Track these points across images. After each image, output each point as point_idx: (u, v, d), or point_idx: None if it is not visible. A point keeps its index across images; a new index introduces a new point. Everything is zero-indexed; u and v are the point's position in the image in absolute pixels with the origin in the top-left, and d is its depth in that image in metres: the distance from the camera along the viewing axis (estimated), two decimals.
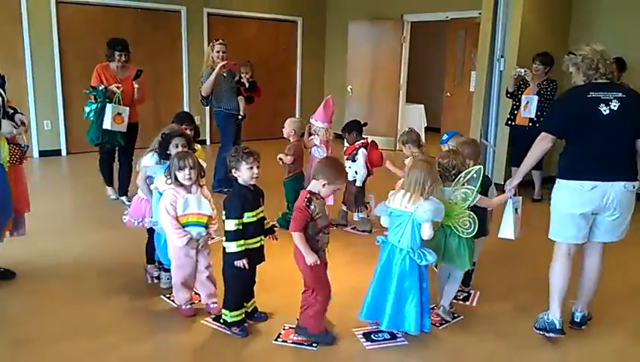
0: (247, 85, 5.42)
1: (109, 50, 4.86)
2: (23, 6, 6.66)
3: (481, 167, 2.85)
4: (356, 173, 4.39)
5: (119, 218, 3.39)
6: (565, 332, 2.81)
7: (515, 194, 2.97)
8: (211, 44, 5.39)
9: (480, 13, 6.32)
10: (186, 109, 7.75)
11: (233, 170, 2.72)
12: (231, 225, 2.65)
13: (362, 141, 4.41)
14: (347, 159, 4.42)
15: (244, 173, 2.69)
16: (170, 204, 2.82)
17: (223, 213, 2.69)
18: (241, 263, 2.67)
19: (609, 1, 5.83)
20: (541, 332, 2.84)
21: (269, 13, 8.80)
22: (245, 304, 2.87)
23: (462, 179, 2.83)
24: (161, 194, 2.95)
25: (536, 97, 5.20)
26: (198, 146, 3.36)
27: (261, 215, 2.79)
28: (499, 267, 3.76)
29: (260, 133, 8.11)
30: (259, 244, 2.79)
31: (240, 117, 5.42)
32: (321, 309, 2.70)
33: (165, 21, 7.86)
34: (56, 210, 4.77)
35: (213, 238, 3.06)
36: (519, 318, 3.09)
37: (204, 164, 2.97)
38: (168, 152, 3.04)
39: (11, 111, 3.27)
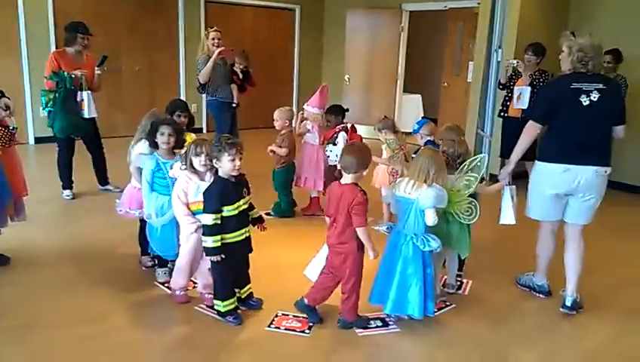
0: (240, 75, 5.41)
1: (68, 33, 4.67)
2: None
3: (485, 155, 2.99)
4: (337, 156, 4.38)
5: (113, 205, 3.38)
6: (552, 293, 3.19)
7: (509, 183, 3.08)
8: (206, 31, 5.37)
9: (479, 3, 6.29)
10: (182, 97, 7.72)
11: (214, 161, 2.63)
12: (208, 219, 2.60)
13: (342, 125, 4.41)
14: (328, 143, 4.41)
15: (225, 165, 2.60)
16: (182, 190, 2.79)
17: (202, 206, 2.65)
18: (215, 258, 2.65)
19: None
20: (526, 289, 3.28)
21: (267, 0, 8.74)
22: (239, 290, 2.88)
23: (466, 167, 2.93)
24: (173, 181, 2.91)
25: (528, 88, 5.12)
26: (191, 135, 3.32)
27: (243, 207, 2.72)
28: (490, 255, 3.79)
29: (256, 122, 8.09)
30: (243, 237, 2.75)
31: (234, 105, 5.41)
32: (358, 297, 2.76)
33: (162, 8, 7.80)
34: (51, 197, 4.77)
35: None
36: (511, 306, 3.13)
37: None
38: (156, 140, 2.98)
39: None
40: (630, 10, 5.65)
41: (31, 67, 6.85)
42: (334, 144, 4.38)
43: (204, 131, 8.32)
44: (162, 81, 7.94)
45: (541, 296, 3.22)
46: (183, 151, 2.90)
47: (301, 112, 4.54)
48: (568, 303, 3.02)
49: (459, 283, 3.33)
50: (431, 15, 8.65)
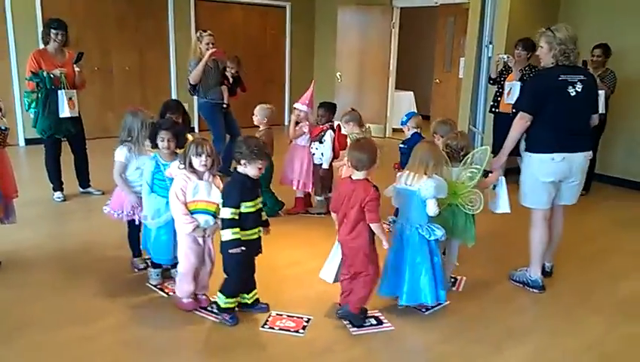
0: (231, 80, 5.40)
1: (43, 31, 4.59)
2: None
3: (488, 147, 3.09)
4: (322, 155, 4.37)
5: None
6: (545, 288, 3.24)
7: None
8: (198, 34, 5.31)
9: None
10: (174, 96, 7.68)
11: (242, 163, 2.64)
12: (227, 213, 2.61)
13: (329, 123, 4.39)
14: (313, 141, 4.39)
15: (251, 170, 2.64)
16: (180, 189, 2.77)
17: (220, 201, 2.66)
18: (236, 251, 2.63)
19: None
20: (520, 285, 3.31)
21: None
22: (246, 295, 2.86)
23: (469, 159, 3.00)
24: (171, 181, 2.88)
25: (519, 83, 5.09)
26: (190, 137, 3.27)
27: (259, 206, 2.75)
28: (484, 251, 3.79)
29: (248, 121, 8.03)
30: (257, 236, 2.76)
31: (225, 106, 5.39)
32: (369, 292, 2.79)
33: (151, 7, 7.76)
34: (41, 199, 4.72)
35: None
36: (505, 302, 3.14)
37: None
38: (157, 143, 2.95)
39: None
40: (618, 6, 5.68)
41: (20, 68, 6.78)
42: (320, 142, 4.36)
43: (197, 131, 8.28)
44: (153, 80, 7.90)
45: (535, 290, 3.25)
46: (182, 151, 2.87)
47: (294, 115, 4.46)
48: (548, 269, 3.38)
49: (453, 279, 3.34)
50: (422, 11, 8.65)
